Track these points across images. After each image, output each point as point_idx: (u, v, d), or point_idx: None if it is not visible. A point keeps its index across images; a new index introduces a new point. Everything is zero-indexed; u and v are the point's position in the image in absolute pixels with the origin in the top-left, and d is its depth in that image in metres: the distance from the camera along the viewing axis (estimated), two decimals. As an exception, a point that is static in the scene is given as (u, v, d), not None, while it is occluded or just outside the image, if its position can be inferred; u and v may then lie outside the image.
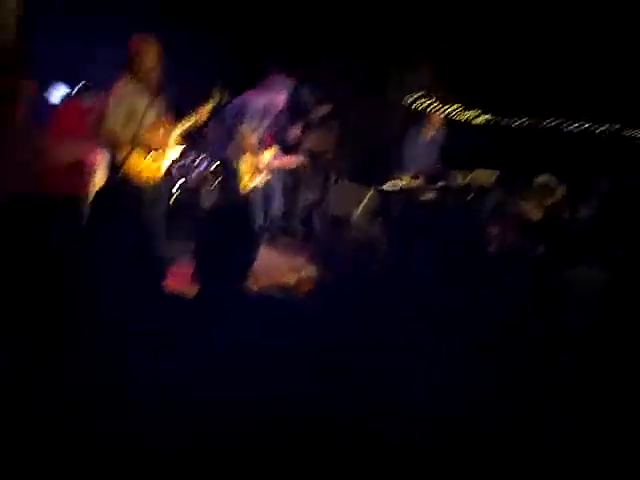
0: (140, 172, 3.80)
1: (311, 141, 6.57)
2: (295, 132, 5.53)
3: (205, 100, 4.14)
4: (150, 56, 3.72)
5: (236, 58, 6.41)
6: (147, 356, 1.39)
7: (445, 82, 7.36)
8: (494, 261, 2.57)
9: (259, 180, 5.01)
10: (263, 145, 4.99)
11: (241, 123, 4.67)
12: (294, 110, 5.73)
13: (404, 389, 1.58)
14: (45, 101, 5.24)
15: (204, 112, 4.10)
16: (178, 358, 1.40)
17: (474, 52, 7.20)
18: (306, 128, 5.92)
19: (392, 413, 1.47)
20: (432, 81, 7.38)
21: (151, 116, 3.81)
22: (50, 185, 4.10)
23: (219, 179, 4.87)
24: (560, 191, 4.46)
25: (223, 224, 1.94)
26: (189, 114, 4.07)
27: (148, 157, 3.83)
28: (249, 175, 4.88)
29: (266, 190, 5.64)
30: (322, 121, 6.29)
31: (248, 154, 4.80)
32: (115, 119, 3.64)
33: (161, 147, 3.88)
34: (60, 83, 5.45)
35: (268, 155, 5.07)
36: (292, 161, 5.36)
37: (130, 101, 3.69)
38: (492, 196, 5.15)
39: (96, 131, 3.78)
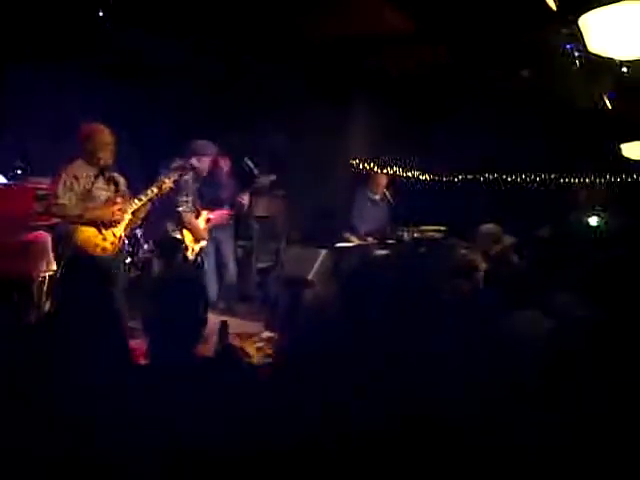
0: (92, 248, 3.88)
1: (259, 208, 6.67)
2: (242, 200, 5.61)
3: (156, 179, 4.28)
4: (101, 139, 3.95)
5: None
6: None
7: (389, 144, 7.63)
8: (446, 308, 2.62)
9: (199, 247, 4.99)
10: (198, 215, 5.02)
11: (176, 200, 4.68)
12: (239, 178, 5.82)
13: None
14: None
15: (157, 190, 4.20)
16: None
17: (414, 114, 7.51)
18: (253, 195, 6.01)
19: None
20: (376, 144, 7.63)
21: (103, 194, 3.98)
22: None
23: (164, 253, 4.84)
24: (507, 240, 4.62)
25: (172, 295, 1.96)
26: (143, 192, 4.18)
27: (99, 233, 3.91)
28: (192, 246, 4.88)
29: (219, 258, 5.64)
30: (268, 188, 6.41)
31: (188, 227, 4.83)
32: (67, 196, 3.80)
33: (112, 224, 3.97)
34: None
35: (202, 222, 5.09)
36: (221, 216, 5.36)
37: (82, 180, 3.87)
38: (440, 248, 5.27)
39: (48, 209, 3.88)
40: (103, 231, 3.94)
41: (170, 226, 4.71)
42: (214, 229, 5.46)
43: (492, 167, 8.17)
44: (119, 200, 4.03)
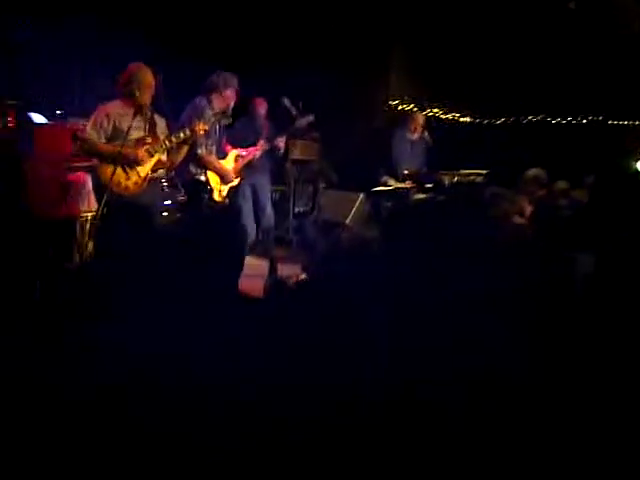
0: (115, 186, 3.82)
1: (295, 151, 6.59)
2: (278, 143, 5.48)
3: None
4: (144, 79, 3.88)
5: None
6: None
7: (428, 83, 7.39)
8: (486, 254, 2.55)
9: (227, 188, 4.90)
10: (223, 155, 4.90)
11: (196, 142, 4.44)
12: (276, 120, 5.72)
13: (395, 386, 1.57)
14: (27, 125, 5.20)
15: (189, 133, 4.07)
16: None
17: (454, 52, 7.24)
18: (290, 138, 5.91)
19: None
20: (415, 83, 7.41)
21: (136, 134, 3.90)
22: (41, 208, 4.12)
23: (190, 196, 4.75)
24: (560, 184, 4.50)
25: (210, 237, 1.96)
26: (174, 134, 4.07)
27: (123, 172, 3.86)
28: (219, 187, 4.77)
29: (256, 203, 5.62)
30: (306, 131, 6.29)
31: (211, 169, 4.69)
32: (94, 132, 3.79)
33: (137, 163, 3.90)
34: (39, 108, 5.43)
35: (231, 162, 4.99)
36: (252, 153, 5.20)
37: (116, 118, 3.82)
38: (482, 193, 5.15)
39: (76, 144, 3.92)
40: (127, 170, 3.88)
41: (193, 169, 4.59)
42: (251, 174, 5.41)
43: (537, 109, 7.86)
44: (148, 140, 3.96)
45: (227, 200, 4.84)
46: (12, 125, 4.76)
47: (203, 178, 4.61)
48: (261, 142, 5.26)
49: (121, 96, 3.93)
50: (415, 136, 6.16)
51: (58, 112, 5.36)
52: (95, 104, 4.93)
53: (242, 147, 5.19)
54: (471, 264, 2.33)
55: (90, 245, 4.74)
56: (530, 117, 7.84)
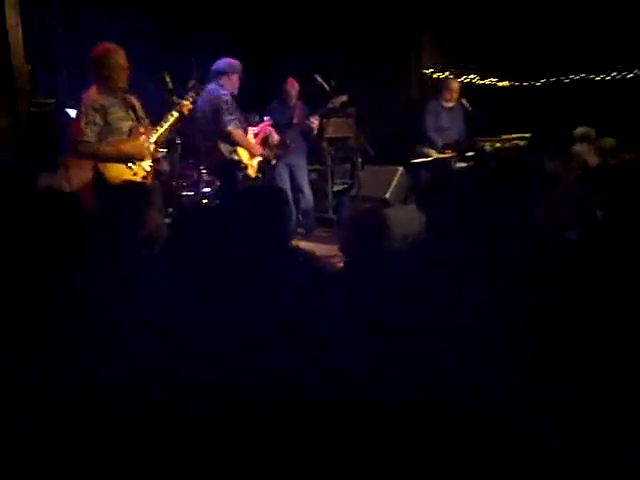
0: (124, 182, 3.58)
1: (330, 129, 6.51)
2: (311, 123, 5.44)
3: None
4: (116, 61, 3.61)
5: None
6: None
7: (462, 49, 7.17)
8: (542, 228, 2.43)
9: (257, 162, 4.87)
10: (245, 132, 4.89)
11: (223, 121, 4.51)
12: (310, 98, 5.65)
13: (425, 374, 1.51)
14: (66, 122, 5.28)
15: (182, 110, 3.93)
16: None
17: (486, 15, 6.99)
18: (324, 116, 5.84)
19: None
20: (448, 50, 7.20)
21: (125, 125, 3.66)
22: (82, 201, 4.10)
23: (226, 176, 4.73)
24: (609, 142, 4.32)
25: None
26: (163, 118, 3.90)
27: (128, 169, 3.63)
28: (250, 163, 4.76)
29: (294, 184, 5.59)
30: (340, 109, 6.20)
31: (242, 144, 4.69)
32: (90, 131, 3.49)
33: (141, 157, 3.68)
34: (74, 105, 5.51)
35: (251, 137, 4.97)
36: (264, 129, 5.16)
37: (101, 110, 3.53)
38: (526, 158, 4.99)
39: (75, 148, 3.55)
40: (132, 166, 3.64)
41: (225, 148, 4.58)
42: (286, 155, 5.39)
43: (577, 67, 7.53)
44: (142, 130, 3.72)
45: (260, 175, 4.84)
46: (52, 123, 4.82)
47: (235, 157, 4.61)
48: (267, 118, 5.25)
49: (97, 81, 3.60)
50: (450, 104, 6.00)
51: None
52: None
53: (276, 129, 5.18)
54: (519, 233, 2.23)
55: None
56: (571, 76, 7.53)
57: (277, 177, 5.42)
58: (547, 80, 7.59)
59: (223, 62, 4.66)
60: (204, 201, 5.18)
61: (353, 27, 6.91)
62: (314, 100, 5.65)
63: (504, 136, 5.48)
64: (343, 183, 6.91)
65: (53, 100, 4.92)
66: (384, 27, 6.85)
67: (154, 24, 6.19)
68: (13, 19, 3.55)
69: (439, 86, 6.17)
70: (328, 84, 5.46)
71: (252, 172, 4.75)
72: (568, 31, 6.80)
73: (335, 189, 6.63)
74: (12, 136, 3.63)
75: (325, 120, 6.18)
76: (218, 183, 5.11)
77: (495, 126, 5.75)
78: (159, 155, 3.90)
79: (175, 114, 3.90)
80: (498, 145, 5.31)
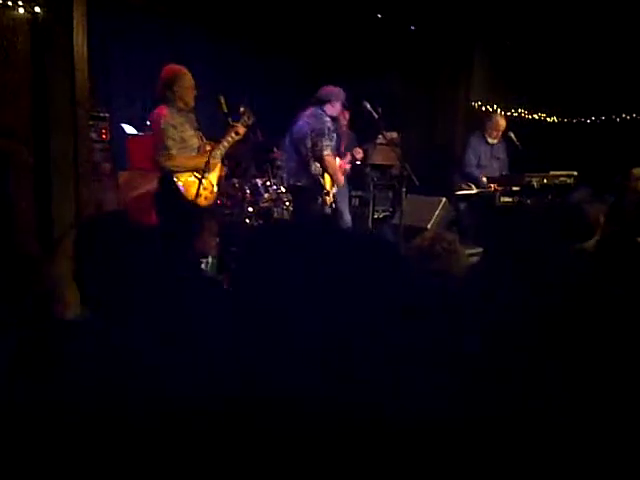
0: (195, 198, 3.83)
1: (375, 156, 6.55)
2: (357, 155, 5.57)
3: (237, 120, 4.14)
4: (185, 83, 3.83)
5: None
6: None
7: (511, 83, 7.15)
8: (587, 263, 2.38)
9: (333, 193, 4.98)
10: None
11: (321, 145, 4.63)
12: (360, 125, 5.71)
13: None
14: (120, 137, 5.44)
15: (238, 132, 4.06)
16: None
17: (538, 49, 6.98)
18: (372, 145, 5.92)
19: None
20: (498, 83, 7.19)
21: (195, 142, 3.91)
22: (134, 216, 4.24)
23: (307, 198, 4.81)
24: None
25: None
26: (224, 138, 4.05)
27: (200, 183, 3.86)
28: (332, 191, 4.87)
29: (335, 209, 5.63)
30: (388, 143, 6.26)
31: (330, 172, 4.80)
32: (172, 145, 3.76)
33: (209, 172, 3.91)
34: (125, 120, 5.67)
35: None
36: (344, 165, 5.30)
37: (178, 127, 3.79)
38: (574, 196, 4.91)
39: (159, 161, 3.82)
40: (203, 180, 3.88)
41: (315, 170, 4.67)
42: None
43: (629, 107, 7.42)
44: (208, 147, 3.95)
45: (334, 206, 4.94)
46: (105, 137, 4.99)
47: (322, 181, 4.73)
48: (348, 154, 5.41)
49: (166, 101, 3.84)
50: (495, 141, 5.96)
51: (148, 123, 5.57)
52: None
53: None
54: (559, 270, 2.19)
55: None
56: (622, 115, 7.42)
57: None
58: (597, 118, 7.50)
59: (327, 90, 4.80)
60: (247, 220, 5.26)
61: (403, 56, 6.99)
62: (361, 125, 5.72)
63: (552, 172, 5.42)
64: (384, 210, 6.92)
65: (107, 114, 5.11)
66: (434, 57, 6.90)
67: (207, 46, 6.39)
68: (80, 37, 3.71)
69: (486, 121, 6.12)
70: (376, 111, 5.51)
71: (329, 200, 4.86)
72: (620, 70, 6.73)
73: (376, 216, 6.65)
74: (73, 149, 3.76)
75: (371, 147, 6.24)
76: (263, 200, 5.23)
77: (543, 162, 5.70)
78: (225, 171, 4.19)
79: (234, 136, 4.05)
80: (545, 181, 5.25)
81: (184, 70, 3.88)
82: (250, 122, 4.26)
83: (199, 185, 3.83)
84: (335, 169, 4.82)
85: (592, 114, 7.55)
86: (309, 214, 4.73)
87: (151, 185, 4.91)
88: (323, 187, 4.74)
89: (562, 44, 6.79)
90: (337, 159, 5.07)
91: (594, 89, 7.06)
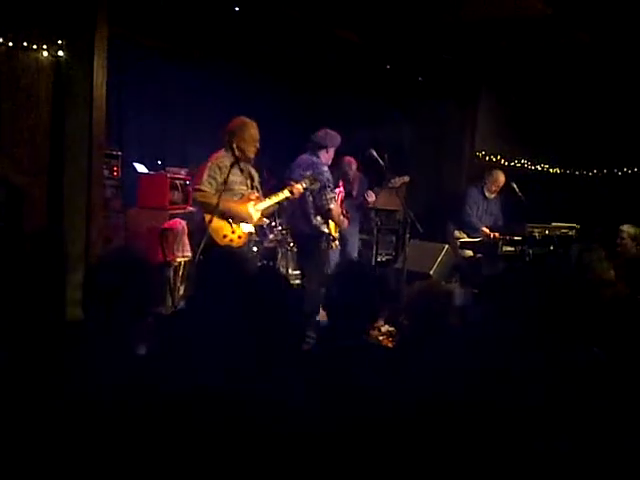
0: (221, 239, 3.90)
1: (380, 200, 6.64)
2: (368, 198, 5.64)
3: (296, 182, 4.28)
4: (252, 134, 3.99)
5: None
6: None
7: (515, 134, 7.30)
8: (588, 313, 2.43)
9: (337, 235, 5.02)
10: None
11: (326, 199, 4.56)
12: (366, 172, 5.84)
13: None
14: (131, 174, 5.56)
15: (293, 191, 4.19)
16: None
17: (543, 104, 7.15)
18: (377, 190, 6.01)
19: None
20: (502, 134, 7.34)
21: (241, 189, 4.03)
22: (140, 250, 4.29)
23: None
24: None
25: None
26: (275, 193, 4.20)
27: (230, 226, 3.94)
28: (336, 236, 4.89)
29: (343, 249, 5.69)
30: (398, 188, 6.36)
31: (335, 220, 4.77)
32: (209, 184, 3.86)
33: (243, 219, 4.01)
34: (139, 158, 5.81)
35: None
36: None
37: (225, 170, 3.88)
38: (575, 248, 4.97)
39: (198, 197, 3.94)
40: (234, 225, 3.96)
41: (319, 221, 4.61)
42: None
43: (631, 161, 7.54)
44: (253, 197, 4.08)
45: (339, 246, 5.01)
46: (116, 174, 5.11)
47: (326, 230, 4.68)
48: (338, 190, 5.38)
49: (227, 147, 4.00)
50: (492, 195, 6.06)
51: (158, 162, 5.71)
52: (192, 155, 5.18)
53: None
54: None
55: (182, 289, 4.95)
56: (624, 169, 7.53)
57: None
58: (599, 171, 7.61)
59: (325, 134, 4.66)
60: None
61: (411, 105, 7.16)
62: (370, 171, 5.83)
63: (554, 224, 5.49)
64: (387, 254, 6.99)
65: (120, 152, 5.24)
66: (441, 107, 7.06)
67: (219, 88, 6.57)
68: (99, 80, 3.84)
69: (486, 175, 6.19)
70: (382, 159, 5.62)
71: (335, 245, 4.90)
72: (622, 125, 6.87)
73: (379, 259, 6.70)
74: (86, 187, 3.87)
75: (375, 190, 6.33)
76: (268, 241, 5.28)
77: (545, 213, 5.78)
78: (261, 223, 4.25)
79: (286, 194, 4.18)
80: (547, 233, 5.33)
81: (250, 123, 4.02)
82: (313, 187, 4.37)
83: (230, 229, 3.91)
84: (340, 217, 4.82)
85: (594, 167, 7.67)
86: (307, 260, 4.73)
87: (158, 222, 5.02)
88: (327, 234, 4.71)
89: (565, 98, 6.96)
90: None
91: (597, 142, 7.20)
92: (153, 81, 6.15)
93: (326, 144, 4.63)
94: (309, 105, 7.34)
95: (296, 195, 4.22)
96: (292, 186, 4.20)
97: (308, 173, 4.43)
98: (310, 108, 7.23)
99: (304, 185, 4.27)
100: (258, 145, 4.04)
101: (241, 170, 4.03)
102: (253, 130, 4.00)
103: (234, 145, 3.96)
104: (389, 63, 6.51)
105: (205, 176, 3.88)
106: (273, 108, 6.55)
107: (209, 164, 3.92)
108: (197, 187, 3.91)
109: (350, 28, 5.59)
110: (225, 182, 3.86)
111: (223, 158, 3.94)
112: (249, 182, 4.11)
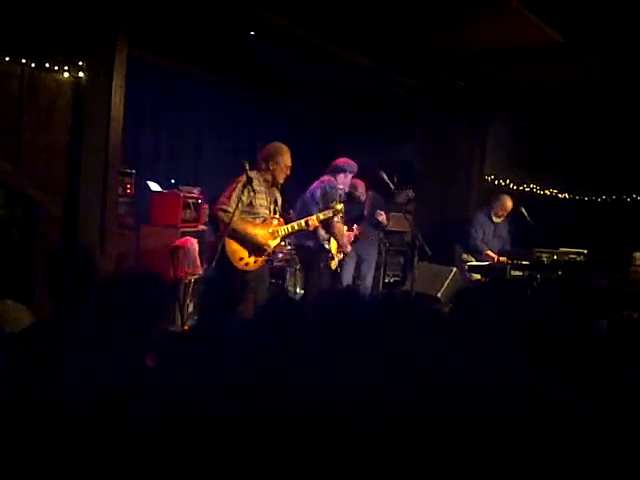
0: (237, 261, 3.94)
1: (389, 221, 6.68)
2: (379, 217, 5.68)
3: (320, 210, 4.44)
4: (285, 161, 4.07)
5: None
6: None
7: (525, 159, 7.36)
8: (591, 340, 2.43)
9: (340, 257, 5.09)
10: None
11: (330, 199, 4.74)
12: (376, 193, 5.88)
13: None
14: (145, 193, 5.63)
15: (305, 225, 4.25)
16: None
17: (551, 129, 7.20)
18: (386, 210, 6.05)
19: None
20: (511, 158, 7.39)
21: (264, 213, 4.06)
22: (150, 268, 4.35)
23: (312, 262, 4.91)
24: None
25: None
26: (296, 222, 4.29)
27: (246, 249, 3.96)
28: (337, 256, 4.98)
29: (357, 271, 5.73)
30: (405, 205, 6.41)
31: (338, 238, 4.89)
32: (234, 204, 3.83)
33: (262, 248, 4.02)
34: (152, 176, 5.89)
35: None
36: (349, 237, 5.35)
37: (251, 193, 3.91)
38: (583, 273, 4.99)
39: (214, 210, 3.99)
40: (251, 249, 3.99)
41: (322, 236, 4.76)
42: (359, 244, 5.59)
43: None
44: (275, 222, 4.13)
45: (338, 270, 5.08)
46: (130, 192, 5.19)
47: (327, 246, 4.82)
48: (355, 227, 5.51)
49: (259, 170, 4.06)
50: (499, 220, 6.10)
51: (172, 181, 5.79)
52: (205, 174, 5.23)
53: (346, 224, 5.39)
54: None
55: (190, 306, 5.00)
56: (633, 195, 7.55)
57: (343, 265, 5.56)
58: (608, 196, 7.63)
59: (345, 161, 5.07)
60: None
61: (421, 128, 7.24)
62: (379, 193, 5.88)
63: (562, 249, 5.51)
64: (395, 275, 7.01)
65: (134, 170, 5.33)
66: (451, 130, 7.13)
67: (235, 109, 6.67)
68: (117, 100, 3.94)
69: (494, 199, 6.24)
70: (392, 181, 5.68)
71: (334, 265, 4.98)
72: (632, 151, 6.90)
73: (387, 280, 6.72)
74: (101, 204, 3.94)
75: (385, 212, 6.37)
76: (278, 259, 5.32)
77: (553, 238, 5.79)
78: (281, 247, 4.39)
79: (303, 224, 4.25)
80: (555, 258, 5.34)
81: (286, 149, 4.11)
82: (326, 219, 4.46)
83: (247, 253, 3.96)
84: (342, 235, 4.92)
85: (603, 193, 7.69)
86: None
87: (169, 240, 5.09)
88: (328, 251, 4.82)
89: (575, 124, 7.01)
90: (345, 228, 5.16)
91: (606, 168, 7.22)
92: (168, 100, 6.26)
93: (344, 169, 4.99)
94: (322, 127, 7.45)
95: (311, 228, 4.29)
96: (311, 219, 4.29)
97: (324, 187, 4.72)
98: (323, 131, 7.33)
99: (321, 217, 4.38)
100: (289, 172, 4.12)
101: (268, 194, 4.09)
102: (287, 156, 4.08)
103: (267, 169, 4.04)
104: (401, 87, 6.60)
105: (233, 197, 3.87)
106: (287, 129, 6.63)
107: (238, 185, 3.90)
108: (223, 207, 3.89)
109: (365, 53, 5.69)
110: (251, 204, 3.93)
111: (253, 180, 3.90)
112: (272, 207, 4.16)
